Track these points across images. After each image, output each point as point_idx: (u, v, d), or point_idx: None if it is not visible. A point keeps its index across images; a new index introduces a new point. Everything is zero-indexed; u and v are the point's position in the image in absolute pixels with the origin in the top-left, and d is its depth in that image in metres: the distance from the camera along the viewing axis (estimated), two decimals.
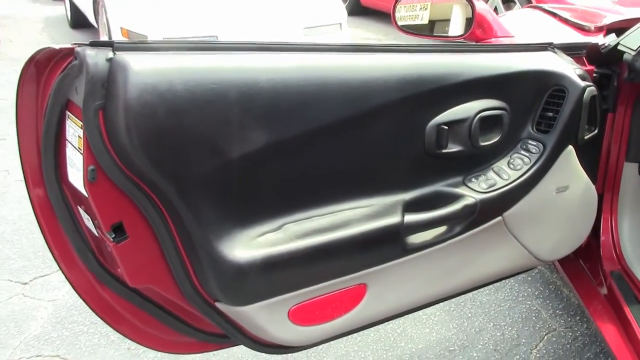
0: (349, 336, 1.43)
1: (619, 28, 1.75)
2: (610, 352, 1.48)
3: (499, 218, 1.36)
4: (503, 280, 1.56)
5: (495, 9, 5.24)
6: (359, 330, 1.32)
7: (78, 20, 6.79)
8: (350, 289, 1.21)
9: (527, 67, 1.34)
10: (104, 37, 5.14)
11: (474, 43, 1.91)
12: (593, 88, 1.39)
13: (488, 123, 1.28)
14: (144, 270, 1.08)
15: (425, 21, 2.07)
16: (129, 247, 1.03)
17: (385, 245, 1.21)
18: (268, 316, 1.13)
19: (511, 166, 1.35)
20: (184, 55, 0.98)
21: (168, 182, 0.97)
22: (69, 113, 0.99)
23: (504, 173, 1.34)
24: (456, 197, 1.28)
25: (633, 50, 1.41)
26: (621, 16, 1.94)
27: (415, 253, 1.25)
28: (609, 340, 1.49)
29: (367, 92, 1.13)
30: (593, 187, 1.53)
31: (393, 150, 1.21)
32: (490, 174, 1.34)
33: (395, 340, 2.00)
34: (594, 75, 1.53)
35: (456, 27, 2.01)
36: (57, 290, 2.23)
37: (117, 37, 4.71)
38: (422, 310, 1.60)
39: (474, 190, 1.30)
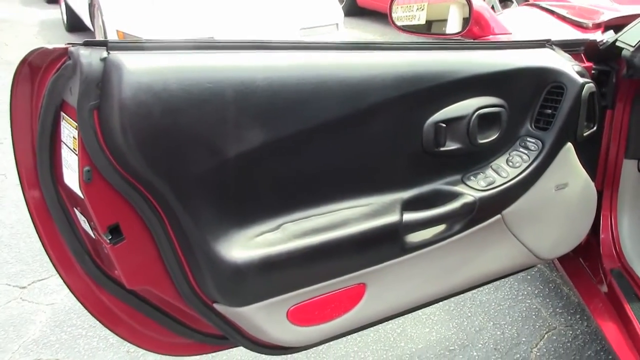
0: (349, 336, 1.43)
1: (617, 25, 1.75)
2: (611, 349, 1.47)
3: (498, 216, 1.35)
4: (502, 279, 1.55)
5: (493, 8, 5.24)
6: (359, 331, 1.31)
7: (74, 24, 6.76)
8: (349, 289, 1.20)
9: (525, 64, 1.34)
10: None
11: (471, 40, 1.91)
12: (592, 84, 1.39)
13: (486, 120, 1.28)
14: (141, 272, 1.07)
15: (423, 21, 2.06)
16: (126, 248, 1.02)
17: (384, 244, 1.20)
18: (267, 317, 1.12)
19: (510, 164, 1.35)
20: (179, 54, 0.97)
21: (164, 182, 0.96)
22: (63, 114, 0.98)
23: (503, 171, 1.33)
24: (455, 196, 1.27)
25: (632, 46, 1.41)
26: (619, 13, 1.93)
27: (414, 252, 1.25)
28: (609, 338, 1.49)
29: (365, 90, 1.12)
30: (592, 184, 1.52)
31: (391, 148, 1.21)
32: (489, 171, 1.33)
33: (395, 340, 1.99)
34: (593, 72, 1.52)
35: (453, 27, 2.01)
36: (56, 293, 2.22)
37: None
38: (421, 310, 1.59)
39: (473, 189, 1.29)
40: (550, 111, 1.37)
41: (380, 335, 2.00)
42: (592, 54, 1.53)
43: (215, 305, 1.12)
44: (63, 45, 0.94)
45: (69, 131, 0.97)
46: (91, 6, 5.37)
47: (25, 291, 2.25)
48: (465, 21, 1.95)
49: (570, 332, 2.03)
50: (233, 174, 1.03)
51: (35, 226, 1.10)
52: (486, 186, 1.30)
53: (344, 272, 1.18)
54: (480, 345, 1.97)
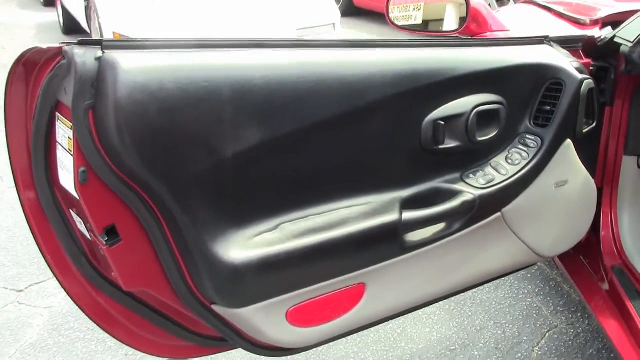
0: (349, 337, 1.42)
1: (615, 21, 1.74)
2: (613, 347, 1.46)
3: (498, 214, 1.34)
4: (503, 278, 1.55)
5: (490, 6, 5.24)
6: (359, 331, 1.30)
7: (71, 26, 6.76)
8: (348, 289, 1.19)
9: (523, 61, 1.33)
10: None
11: (469, 38, 1.90)
12: (590, 81, 1.38)
13: (485, 118, 1.27)
14: (139, 274, 1.06)
15: (419, 21, 2.06)
16: (123, 250, 1.01)
17: (384, 243, 1.19)
18: (266, 318, 1.11)
19: (509, 161, 1.34)
20: (175, 52, 0.96)
21: (161, 183, 0.95)
22: (58, 114, 0.97)
23: (502, 168, 1.33)
24: (454, 194, 1.26)
25: (630, 42, 1.40)
26: (616, 9, 1.92)
27: (413, 251, 1.24)
28: (611, 335, 1.48)
29: (363, 88, 1.11)
30: (592, 181, 1.52)
31: (389, 146, 1.20)
32: (489, 169, 1.32)
33: (395, 341, 1.98)
34: (591, 68, 1.51)
35: (450, 26, 2.01)
36: (53, 297, 2.20)
37: None
38: (422, 310, 1.58)
39: (472, 186, 1.28)
40: (549, 108, 1.36)
41: (380, 336, 1.99)
42: (591, 50, 1.52)
43: (214, 307, 1.10)
44: (57, 45, 0.93)
45: (64, 131, 0.96)
46: (88, 8, 5.37)
47: (22, 294, 2.23)
48: (462, 20, 1.95)
49: (572, 331, 2.02)
50: (230, 174, 1.02)
51: (30, 228, 1.09)
52: (486, 184, 1.29)
53: (343, 272, 1.17)
54: (481, 345, 1.96)
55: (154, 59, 0.93)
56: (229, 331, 1.16)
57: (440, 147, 1.23)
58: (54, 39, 6.89)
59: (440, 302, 1.44)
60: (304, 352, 1.30)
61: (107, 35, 4.74)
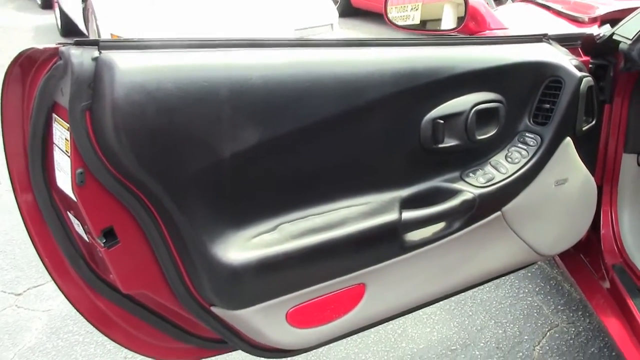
0: (349, 338, 1.41)
1: (613, 19, 1.74)
2: (615, 346, 1.46)
3: (498, 213, 1.33)
4: (503, 277, 1.54)
5: (487, 4, 5.24)
6: (359, 332, 1.30)
7: (68, 29, 6.75)
8: (348, 289, 1.18)
9: (522, 59, 1.32)
10: None
11: (468, 36, 1.90)
12: (590, 78, 1.37)
13: (484, 116, 1.26)
14: (137, 276, 1.05)
15: (417, 21, 2.06)
16: (121, 252, 1.00)
17: (383, 243, 1.18)
18: (265, 319, 1.10)
19: (509, 160, 1.33)
20: (172, 52, 0.95)
21: (159, 184, 0.95)
22: (55, 115, 0.96)
23: (502, 167, 1.32)
24: (454, 193, 1.26)
25: (629, 39, 1.40)
26: (614, 7, 1.92)
27: (414, 251, 1.23)
28: (613, 334, 1.47)
29: (361, 87, 1.10)
30: (592, 179, 1.51)
31: (388, 146, 1.19)
32: (488, 168, 1.32)
33: (396, 341, 1.97)
34: (590, 66, 1.51)
35: (448, 26, 2.00)
36: (52, 300, 2.19)
37: None
38: (422, 310, 1.57)
39: (472, 185, 1.28)
40: (548, 106, 1.36)
41: (381, 336, 1.99)
42: (589, 47, 1.52)
43: (213, 309, 1.10)
44: (54, 45, 0.92)
45: (60, 133, 0.95)
46: (85, 10, 5.36)
47: (20, 298, 2.22)
48: (460, 20, 1.94)
49: (573, 329, 2.01)
50: (229, 174, 1.01)
51: (28, 231, 1.08)
52: (485, 183, 1.29)
53: (343, 272, 1.16)
54: (482, 344, 1.95)
55: (151, 58, 0.93)
56: (229, 333, 1.16)
57: (440, 146, 1.22)
58: (51, 41, 6.85)
59: (441, 302, 1.43)
60: (304, 354, 1.29)
61: (105, 37, 4.73)
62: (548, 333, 2.00)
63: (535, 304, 2.15)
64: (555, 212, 1.46)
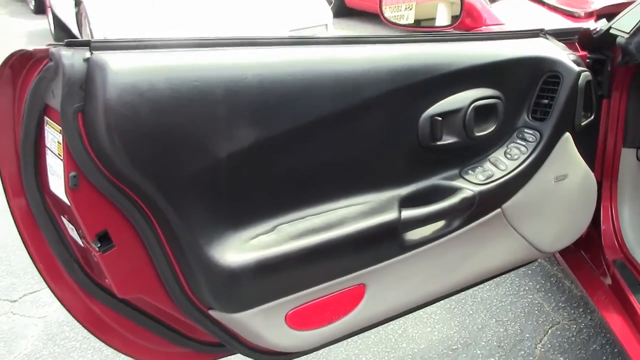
0: (349, 339, 1.40)
1: (609, 13, 1.73)
2: (617, 342, 1.45)
3: (498, 210, 1.32)
4: (503, 275, 1.53)
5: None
6: (359, 333, 1.28)
7: (62, 33, 6.73)
8: (348, 290, 1.17)
9: (519, 54, 1.31)
10: None
11: (464, 32, 1.89)
12: (588, 73, 1.36)
13: (483, 113, 1.25)
14: (133, 280, 1.03)
15: (411, 21, 2.05)
16: (116, 256, 0.98)
17: (383, 243, 1.17)
18: (264, 322, 1.09)
19: (508, 156, 1.32)
20: (165, 52, 0.94)
21: (154, 185, 0.93)
22: (47, 118, 0.95)
23: (501, 163, 1.31)
24: (453, 190, 1.25)
25: (626, 33, 1.39)
26: (610, 1, 1.91)
27: (413, 250, 1.22)
28: (615, 330, 1.46)
29: (358, 85, 1.09)
30: (592, 174, 1.50)
31: (387, 144, 1.18)
32: (487, 165, 1.31)
33: (396, 342, 1.96)
34: (587, 61, 1.50)
35: (442, 24, 2.00)
36: (48, 306, 2.17)
37: None
38: (422, 309, 1.56)
39: (472, 183, 1.26)
40: (547, 101, 1.35)
41: (381, 337, 1.97)
42: (586, 42, 1.51)
43: (211, 312, 1.08)
44: (44, 47, 0.91)
45: (53, 136, 0.93)
46: (78, 14, 5.34)
47: (16, 305, 2.20)
48: (455, 18, 1.94)
49: (575, 326, 2.00)
50: (225, 174, 1.00)
51: (21, 236, 1.06)
52: (485, 180, 1.27)
53: (343, 273, 1.14)
54: (483, 343, 1.94)
55: (144, 59, 0.91)
56: (227, 336, 1.14)
57: (438, 143, 1.21)
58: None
59: (441, 301, 1.42)
60: (304, 356, 1.28)
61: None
62: (550, 331, 1.99)
63: (536, 302, 2.14)
64: (555, 208, 1.45)
